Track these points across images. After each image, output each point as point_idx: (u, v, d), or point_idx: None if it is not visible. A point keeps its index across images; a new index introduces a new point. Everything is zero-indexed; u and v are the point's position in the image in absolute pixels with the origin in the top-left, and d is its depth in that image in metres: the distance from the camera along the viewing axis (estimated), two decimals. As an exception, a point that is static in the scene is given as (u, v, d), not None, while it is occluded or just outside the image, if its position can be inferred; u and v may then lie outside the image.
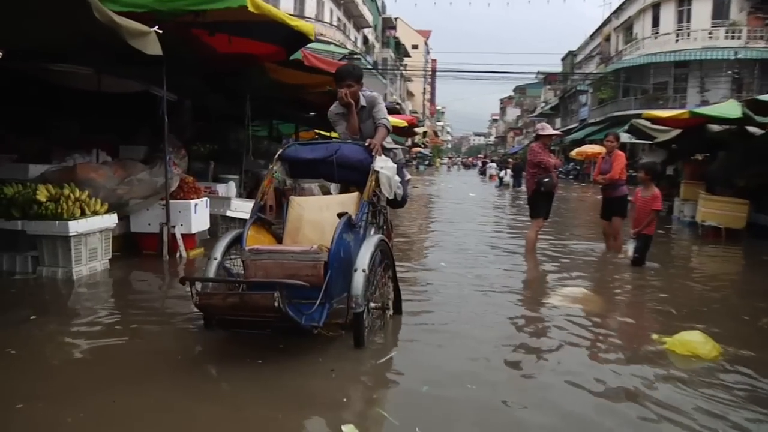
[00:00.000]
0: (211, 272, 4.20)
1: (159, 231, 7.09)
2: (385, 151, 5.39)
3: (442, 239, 9.71)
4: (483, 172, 43.06)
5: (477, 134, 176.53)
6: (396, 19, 64.87)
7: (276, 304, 3.32)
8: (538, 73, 59.94)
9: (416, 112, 74.34)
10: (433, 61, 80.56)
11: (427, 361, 3.90)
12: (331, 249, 3.97)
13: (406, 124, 18.54)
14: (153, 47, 4.84)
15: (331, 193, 6.12)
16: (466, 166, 72.10)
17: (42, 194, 5.88)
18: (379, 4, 57.12)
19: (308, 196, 5.20)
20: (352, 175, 4.81)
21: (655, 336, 4.49)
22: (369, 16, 48.57)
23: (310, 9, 37.07)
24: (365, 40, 51.48)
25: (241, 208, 8.74)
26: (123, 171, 7.81)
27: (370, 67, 42.31)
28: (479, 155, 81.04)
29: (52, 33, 5.16)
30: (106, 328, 4.44)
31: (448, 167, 71.23)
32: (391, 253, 4.56)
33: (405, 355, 3.99)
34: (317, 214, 4.68)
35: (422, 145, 59.10)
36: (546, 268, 7.38)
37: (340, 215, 4.22)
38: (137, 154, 10.39)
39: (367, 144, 4.75)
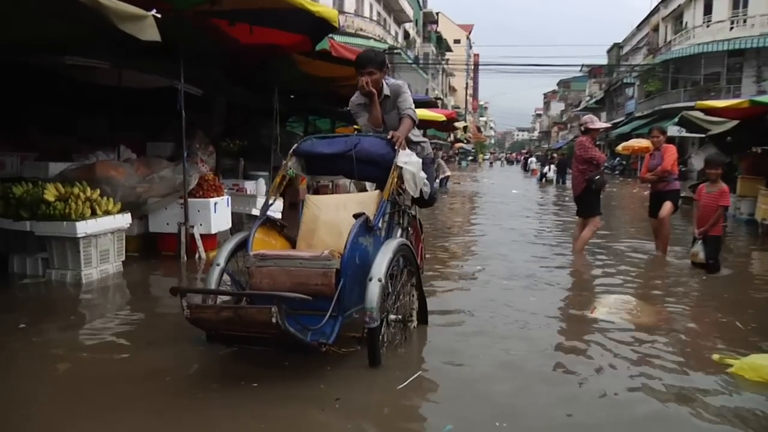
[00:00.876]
0: (213, 280, 3.79)
1: (177, 231, 6.75)
2: (411, 144, 4.92)
3: (480, 239, 9.16)
4: (526, 168, 42.18)
5: (520, 129, 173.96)
6: (437, 13, 64.07)
7: (273, 319, 2.88)
8: (582, 66, 58.38)
9: (458, 108, 73.51)
10: (476, 55, 79.49)
11: (453, 389, 3.36)
12: (344, 255, 3.51)
13: (444, 119, 17.98)
14: (149, 33, 4.41)
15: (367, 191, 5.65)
16: (509, 162, 70.82)
17: (50, 193, 5.58)
18: (420, -1, 56.46)
19: (324, 195, 4.74)
20: (374, 171, 4.32)
21: (716, 356, 3.87)
22: (409, 11, 47.97)
23: (349, 4, 36.72)
24: (406, 35, 50.92)
25: (271, 208, 8.37)
26: (146, 168, 7.51)
27: (410, 62, 41.79)
28: (522, 150, 79.50)
29: (41, 23, 4.78)
30: (99, 341, 4.08)
31: (491, 163, 70.08)
32: (414, 257, 4.07)
33: (427, 381, 3.47)
34: (334, 215, 4.23)
35: (464, 141, 58.27)
36: (592, 272, 6.77)
37: (356, 216, 3.75)
38: (164, 150, 10.14)
39: (389, 137, 4.27)
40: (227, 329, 3.17)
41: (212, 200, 6.99)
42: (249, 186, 9.52)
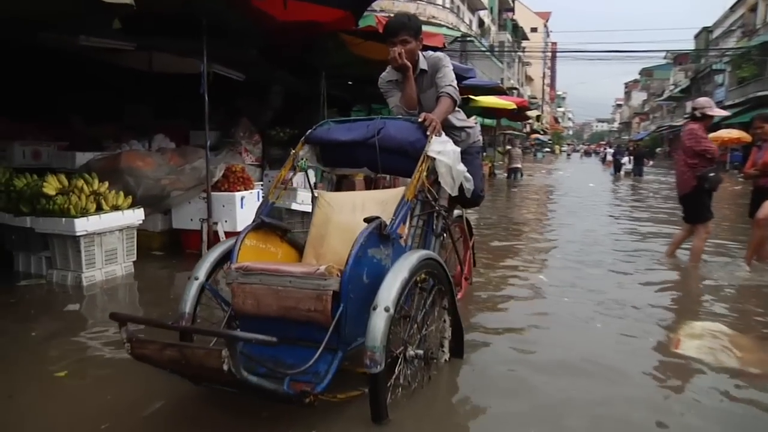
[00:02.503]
0: (189, 298, 3.04)
1: (200, 228, 6.09)
2: (453, 129, 4.04)
3: (548, 241, 8.10)
4: (604, 160, 40.15)
5: (600, 120, 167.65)
6: (513, 1, 61.98)
7: (225, 366, 2.08)
8: (667, 52, 55.03)
9: (535, 98, 71.17)
10: (553, 44, 76.65)
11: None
12: (345, 272, 2.67)
13: (515, 107, 16.83)
14: None
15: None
16: (587, 154, 67.91)
17: (50, 187, 5.01)
18: (495, -15, 54.63)
19: (340, 192, 3.91)
20: (401, 162, 3.43)
21: None
22: (484, -3, 46.46)
23: (421, -9, 35.66)
24: (480, 22, 49.37)
25: (309, 202, 7.62)
26: (180, 159, 6.91)
27: (485, 50, 40.36)
28: (601, 142, 76.29)
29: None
30: (74, 360, 3.40)
31: (568, 154, 67.40)
32: (446, 273, 3.17)
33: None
34: (349, 217, 3.40)
35: (541, 132, 56.27)
36: (671, 288, 5.63)
37: (368, 221, 2.90)
38: (209, 139, 9.62)
39: (421, 119, 3.40)
40: (177, 370, 2.40)
41: (239, 194, 6.28)
42: (296, 178, 8.82)
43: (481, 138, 4.36)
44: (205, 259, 3.19)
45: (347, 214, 3.44)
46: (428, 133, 3.34)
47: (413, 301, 2.98)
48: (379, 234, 2.88)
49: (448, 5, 38.89)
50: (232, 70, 8.41)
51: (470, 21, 45.19)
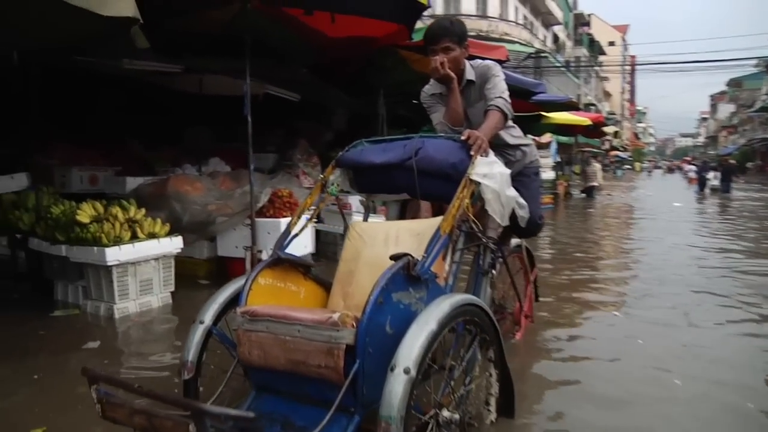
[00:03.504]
0: (193, 345, 2.66)
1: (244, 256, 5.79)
2: (507, 148, 3.55)
3: (626, 270, 7.34)
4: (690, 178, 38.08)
5: (683, 135, 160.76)
6: (589, 15, 60.37)
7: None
8: (758, 60, 51.93)
9: (613, 113, 68.83)
10: (632, 57, 74.07)
11: None
12: (362, 321, 2.22)
13: (590, 123, 15.97)
14: (117, 7, 3.21)
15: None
16: (671, 170, 64.83)
17: (84, 214, 4.81)
18: (570, 0, 53.34)
19: (374, 222, 3.45)
20: (444, 187, 2.90)
21: None
22: (558, 13, 45.32)
23: (493, 8, 35.14)
24: (555, 38, 48.25)
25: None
26: (232, 182, 6.69)
27: (560, 65, 39.28)
28: (685, 158, 72.73)
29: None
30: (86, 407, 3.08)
31: (649, 171, 64.57)
32: (492, 320, 2.65)
33: None
34: (381, 251, 2.94)
35: (620, 149, 54.23)
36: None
37: (394, 258, 2.44)
38: (266, 162, 9.41)
39: (464, 137, 2.92)
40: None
41: (284, 220, 5.95)
42: (354, 201, 8.46)
43: (538, 157, 3.83)
44: (212, 300, 2.82)
45: (379, 247, 2.98)
46: (472, 152, 2.85)
47: (448, 354, 2.49)
48: (406, 274, 2.41)
49: (521, 21, 38.16)
50: (286, 91, 8.17)
51: (544, 37, 44.18)
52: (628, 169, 62.39)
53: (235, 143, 9.59)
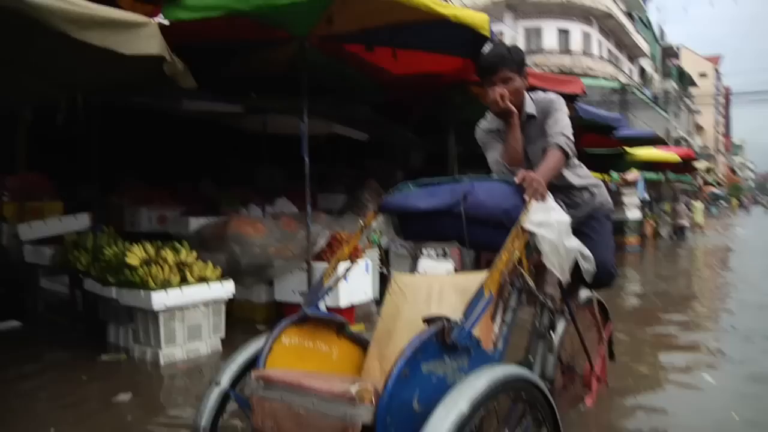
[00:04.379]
0: (207, 408, 2.38)
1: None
2: (571, 190, 3.15)
3: (721, 324, 6.62)
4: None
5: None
6: (678, 47, 58.25)
7: None
8: None
9: (707, 148, 65.69)
10: (726, 88, 70.76)
11: None
12: (383, 397, 1.88)
13: (678, 159, 15.06)
14: (144, 44, 3.09)
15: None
16: (773, 207, 60.79)
17: (133, 257, 4.72)
18: (657, 32, 51.65)
19: (415, 275, 3.11)
20: (496, 236, 2.50)
21: None
22: (644, 45, 43.92)
23: (575, 43, 34.52)
24: (641, 71, 46.76)
25: (435, 272, 6.82)
26: (297, 224, 6.53)
27: (647, 99, 37.86)
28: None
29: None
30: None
31: (747, 209, 60.78)
32: (545, 395, 2.24)
33: None
34: (422, 308, 2.58)
35: (715, 184, 51.46)
36: None
37: (428, 321, 2.10)
38: (335, 203, 9.27)
39: (518, 179, 2.56)
40: None
41: (343, 265, 5.66)
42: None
43: (609, 199, 3.38)
44: (231, 360, 2.53)
45: (421, 304, 2.64)
46: (526, 197, 2.49)
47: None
48: (441, 341, 2.06)
49: (605, 56, 37.20)
50: (353, 130, 8.03)
51: (630, 71, 42.87)
52: (725, 206, 59.04)
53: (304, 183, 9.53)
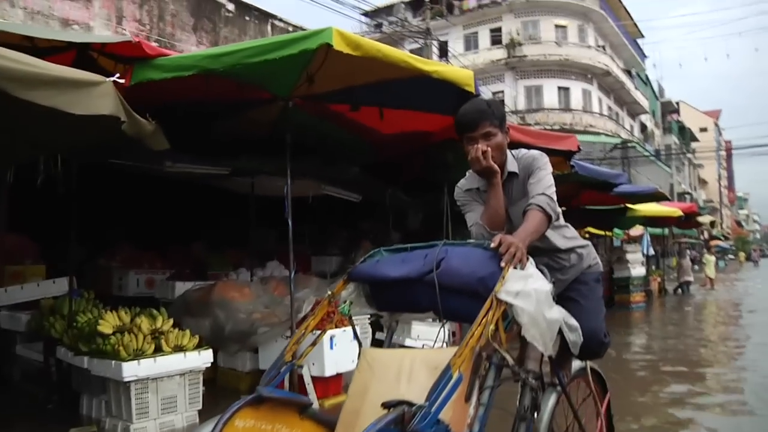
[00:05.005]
0: None
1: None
2: (557, 253, 2.95)
3: (735, 385, 6.27)
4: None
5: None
6: (678, 102, 58.86)
7: None
8: None
9: (711, 201, 65.54)
10: (727, 142, 71.15)
11: None
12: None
13: (681, 214, 14.86)
14: (98, 104, 2.94)
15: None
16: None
17: (106, 324, 4.51)
18: (656, 88, 52.31)
19: (385, 350, 2.87)
20: (471, 307, 2.28)
21: None
22: (644, 102, 44.37)
23: (575, 101, 34.83)
24: (643, 127, 47.10)
25: (428, 337, 6.52)
26: (286, 288, 6.30)
27: (649, 154, 37.98)
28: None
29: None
30: None
31: (756, 261, 60.06)
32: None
33: None
34: (390, 387, 2.36)
35: (721, 238, 51.07)
36: None
37: (387, 406, 1.87)
38: (329, 265, 9.08)
39: (494, 244, 2.37)
40: None
41: (328, 332, 5.44)
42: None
43: (599, 260, 3.16)
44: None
45: (389, 383, 2.40)
46: (502, 264, 2.29)
47: None
48: (401, 430, 1.83)
49: (605, 113, 37.49)
50: (345, 191, 7.89)
51: (631, 126, 43.19)
52: (731, 259, 58.43)
53: (300, 245, 9.36)
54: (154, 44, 6.75)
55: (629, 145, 32.58)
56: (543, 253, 2.90)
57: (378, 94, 5.21)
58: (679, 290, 19.03)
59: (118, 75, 3.42)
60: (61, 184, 5.23)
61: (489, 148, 2.72)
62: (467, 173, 3.04)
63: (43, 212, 7.14)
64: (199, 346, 4.82)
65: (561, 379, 3.05)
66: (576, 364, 3.31)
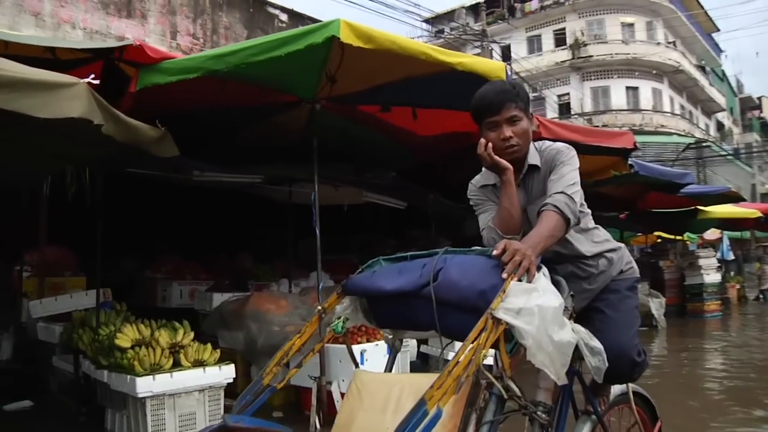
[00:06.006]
0: None
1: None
2: (581, 260, 2.55)
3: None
4: None
5: None
6: (760, 98, 55.68)
7: None
8: None
9: (799, 203, 61.66)
10: (817, 139, 66.76)
11: None
12: None
13: (760, 215, 13.81)
14: (66, 107, 2.71)
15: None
16: None
17: (124, 338, 4.37)
18: (734, 84, 49.70)
19: (377, 374, 2.54)
20: (473, 325, 1.98)
21: None
22: (720, 99, 42.21)
23: (645, 101, 33.47)
24: (719, 125, 44.84)
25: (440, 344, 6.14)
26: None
27: (726, 153, 36.01)
28: None
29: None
30: None
31: None
32: None
33: None
34: (377, 417, 2.06)
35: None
36: None
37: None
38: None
39: (496, 252, 2.02)
40: None
41: (358, 347, 5.15)
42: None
43: (634, 265, 2.72)
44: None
45: (375, 412, 2.09)
46: (504, 275, 1.93)
47: None
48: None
49: (677, 112, 35.84)
50: (389, 198, 7.60)
51: (706, 125, 41.16)
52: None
53: (347, 255, 9.14)
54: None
55: (704, 144, 30.97)
56: (566, 260, 2.53)
57: (408, 93, 4.92)
58: (761, 297, 17.74)
59: (93, 76, 3.24)
60: (89, 195, 5.17)
61: (514, 134, 2.37)
62: (484, 170, 2.68)
63: (84, 224, 7.21)
64: (221, 360, 4.62)
65: (596, 407, 2.65)
66: (617, 388, 2.89)
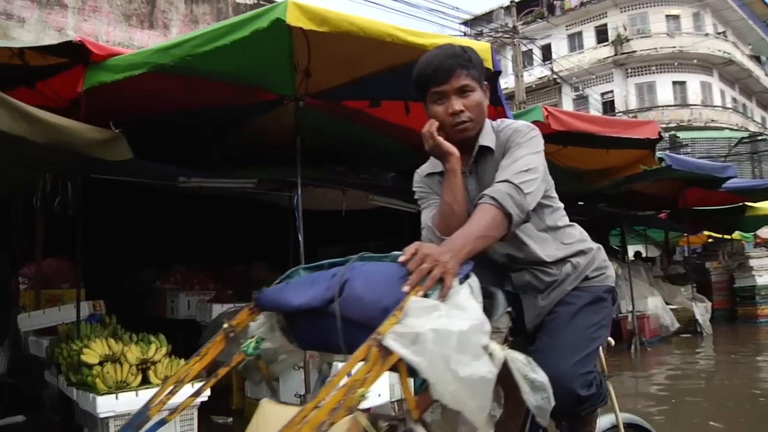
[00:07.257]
0: None
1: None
2: (539, 266, 2.13)
3: None
4: None
5: None
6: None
7: None
8: None
9: None
10: None
11: None
12: None
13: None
14: None
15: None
16: None
17: (90, 354, 4.11)
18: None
19: (280, 405, 2.14)
20: None
21: None
22: (777, 90, 40.26)
23: (693, 95, 32.08)
24: (776, 118, 42.76)
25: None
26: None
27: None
28: None
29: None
30: None
31: None
32: None
33: None
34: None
35: None
36: None
37: None
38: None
39: (403, 258, 1.62)
40: None
41: (339, 364, 4.75)
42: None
43: (608, 267, 2.24)
44: None
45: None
46: (404, 288, 1.54)
47: None
48: None
49: (729, 105, 34.26)
50: (397, 201, 7.20)
51: (762, 118, 39.28)
52: None
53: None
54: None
55: (759, 138, 29.46)
56: (522, 266, 2.11)
57: (396, 85, 4.52)
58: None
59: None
60: (70, 205, 4.97)
61: (465, 106, 1.96)
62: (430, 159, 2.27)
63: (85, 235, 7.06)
64: (196, 378, 4.29)
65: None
66: (604, 420, 2.43)
